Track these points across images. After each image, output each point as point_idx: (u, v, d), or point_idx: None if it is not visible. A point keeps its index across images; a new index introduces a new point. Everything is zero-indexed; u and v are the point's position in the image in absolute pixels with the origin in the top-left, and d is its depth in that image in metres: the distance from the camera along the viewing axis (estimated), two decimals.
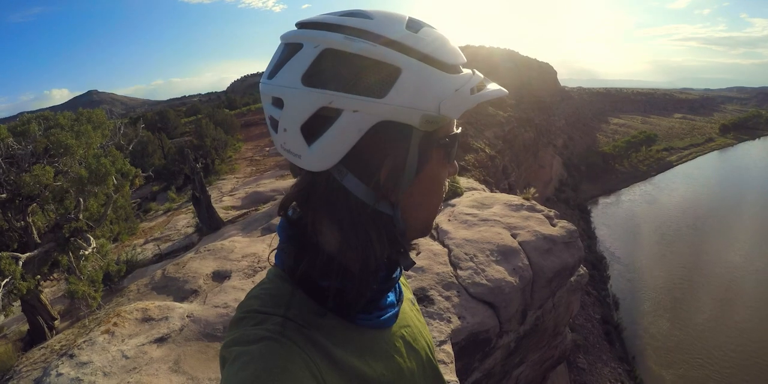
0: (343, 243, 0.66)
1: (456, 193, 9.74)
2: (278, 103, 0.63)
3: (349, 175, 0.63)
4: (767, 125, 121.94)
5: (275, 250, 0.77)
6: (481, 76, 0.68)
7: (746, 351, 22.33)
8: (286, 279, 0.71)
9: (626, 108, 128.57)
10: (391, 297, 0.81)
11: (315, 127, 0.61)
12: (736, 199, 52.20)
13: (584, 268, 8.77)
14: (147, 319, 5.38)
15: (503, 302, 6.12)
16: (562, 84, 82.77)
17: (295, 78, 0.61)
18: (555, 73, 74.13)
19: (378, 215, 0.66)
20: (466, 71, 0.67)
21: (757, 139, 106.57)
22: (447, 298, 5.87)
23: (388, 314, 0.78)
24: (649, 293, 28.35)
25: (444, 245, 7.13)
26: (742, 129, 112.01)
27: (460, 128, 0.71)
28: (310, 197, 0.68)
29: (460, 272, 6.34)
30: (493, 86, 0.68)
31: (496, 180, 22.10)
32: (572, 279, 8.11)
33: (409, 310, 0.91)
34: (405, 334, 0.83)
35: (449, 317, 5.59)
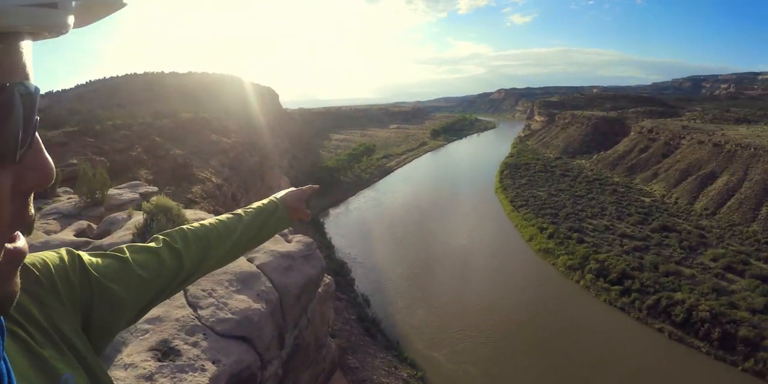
0: None
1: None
2: None
3: None
4: (471, 126, 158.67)
5: None
6: None
7: (493, 310, 27.78)
8: None
9: (346, 124, 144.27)
10: None
11: None
12: (451, 191, 63.21)
13: (329, 277, 9.07)
14: None
15: (256, 332, 5.84)
16: (284, 106, 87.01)
17: None
18: (277, 96, 77.84)
19: None
20: None
21: (463, 138, 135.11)
22: (194, 345, 5.30)
23: None
24: (397, 288, 31.85)
25: None
26: (451, 131, 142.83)
27: (35, 86, 0.42)
28: None
29: (201, 312, 5.80)
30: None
31: (226, 208, 21.66)
32: (320, 290, 8.30)
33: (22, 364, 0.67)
34: None
35: (203, 365, 5.05)
